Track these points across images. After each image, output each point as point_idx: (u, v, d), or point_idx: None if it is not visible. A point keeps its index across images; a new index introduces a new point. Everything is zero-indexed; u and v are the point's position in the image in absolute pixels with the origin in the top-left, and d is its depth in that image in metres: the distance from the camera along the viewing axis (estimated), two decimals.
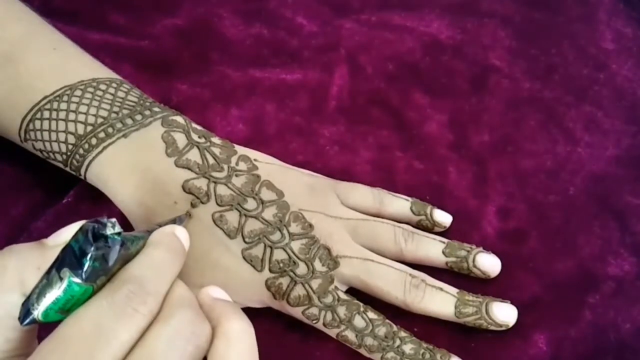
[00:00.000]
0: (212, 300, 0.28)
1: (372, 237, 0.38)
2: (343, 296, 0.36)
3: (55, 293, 0.24)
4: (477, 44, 0.48)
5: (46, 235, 0.40)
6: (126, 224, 0.38)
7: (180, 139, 0.37)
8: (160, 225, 0.29)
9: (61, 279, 0.24)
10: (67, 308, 0.24)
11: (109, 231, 0.25)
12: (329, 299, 0.36)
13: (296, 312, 0.36)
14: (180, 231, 0.29)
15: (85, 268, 0.24)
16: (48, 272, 0.24)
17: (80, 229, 0.25)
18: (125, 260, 0.26)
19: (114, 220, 0.25)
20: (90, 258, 0.24)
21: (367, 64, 0.47)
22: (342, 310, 0.35)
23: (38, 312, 0.24)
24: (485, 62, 0.48)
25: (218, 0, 0.50)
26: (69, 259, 0.24)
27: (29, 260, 0.26)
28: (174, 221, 0.31)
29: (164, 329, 0.25)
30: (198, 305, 0.27)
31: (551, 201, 0.42)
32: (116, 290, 0.25)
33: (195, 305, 0.27)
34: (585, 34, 0.49)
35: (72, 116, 0.37)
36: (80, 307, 0.25)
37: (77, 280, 0.24)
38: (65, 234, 0.26)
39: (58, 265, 0.24)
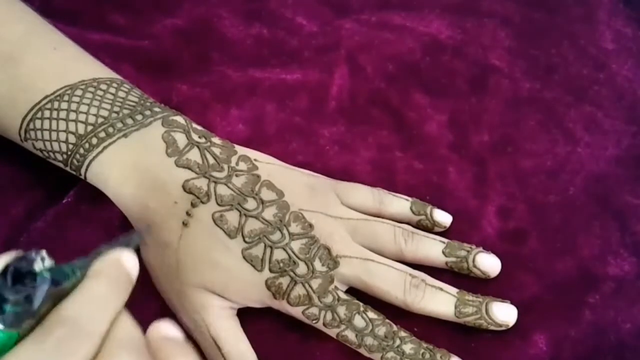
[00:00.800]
0: (161, 340, 0.26)
1: (372, 237, 0.38)
2: (343, 296, 0.36)
3: None
4: (477, 44, 0.48)
5: (46, 235, 0.40)
6: (126, 225, 0.38)
7: (181, 139, 0.37)
8: (110, 246, 0.26)
9: None
10: None
11: (37, 267, 0.23)
12: (329, 299, 0.36)
13: (296, 312, 0.36)
14: (127, 257, 0.26)
15: (5, 314, 0.22)
16: None
17: (2, 270, 0.23)
18: (59, 297, 0.24)
19: (43, 253, 0.24)
20: (10, 303, 0.22)
21: (367, 64, 0.47)
22: (342, 310, 0.35)
23: None
24: (485, 62, 0.48)
25: (218, 0, 0.50)
26: None
27: None
28: (127, 242, 0.27)
29: None
30: (144, 343, 0.25)
31: (551, 201, 0.42)
32: (46, 335, 0.23)
33: (140, 345, 0.25)
34: (585, 34, 0.49)
35: (72, 116, 0.37)
36: (7, 354, 0.22)
37: None
38: None
39: None
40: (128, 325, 0.25)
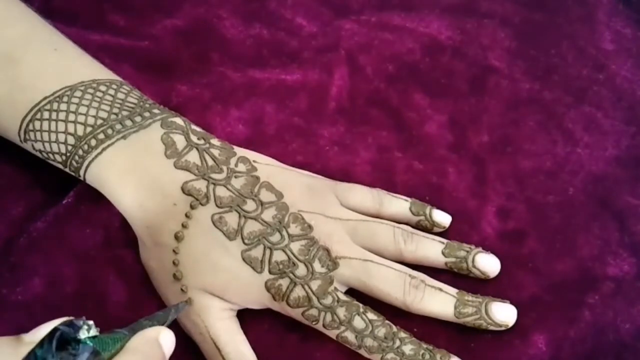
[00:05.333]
0: None
1: (371, 238, 0.38)
2: (343, 297, 0.36)
3: None
4: (476, 45, 0.48)
5: (46, 235, 0.40)
6: (127, 225, 0.38)
7: (180, 141, 0.37)
8: (150, 320, 0.28)
9: None
10: None
11: (82, 335, 0.24)
12: (328, 300, 0.36)
13: (296, 313, 0.36)
14: (164, 337, 0.27)
15: None
16: None
17: (49, 333, 0.24)
18: None
19: (91, 322, 0.25)
20: None
21: (366, 64, 0.47)
22: (341, 311, 0.35)
23: None
24: (484, 62, 0.48)
25: (218, 1, 0.50)
26: None
27: (1, 356, 0.24)
28: (168, 312, 0.29)
29: None
30: None
31: (550, 201, 0.42)
32: None
33: None
34: (584, 34, 0.49)
35: (71, 117, 0.37)
36: None
37: None
38: (44, 330, 0.25)
39: None
40: None
